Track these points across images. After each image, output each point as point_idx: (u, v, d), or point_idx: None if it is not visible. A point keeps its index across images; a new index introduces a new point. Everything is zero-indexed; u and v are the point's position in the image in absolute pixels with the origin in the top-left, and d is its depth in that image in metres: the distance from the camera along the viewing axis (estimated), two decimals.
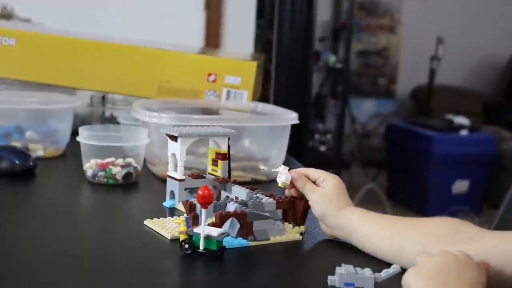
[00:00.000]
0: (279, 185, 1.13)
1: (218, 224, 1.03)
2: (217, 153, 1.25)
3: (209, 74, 1.76)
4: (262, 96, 2.02)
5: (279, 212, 1.12)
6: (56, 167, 1.59)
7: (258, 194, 1.14)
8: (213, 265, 0.96)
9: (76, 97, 1.79)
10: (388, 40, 5.91)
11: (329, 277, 0.86)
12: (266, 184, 1.47)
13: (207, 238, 0.97)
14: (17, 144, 1.54)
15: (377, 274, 0.86)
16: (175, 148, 1.22)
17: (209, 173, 1.27)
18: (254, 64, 1.78)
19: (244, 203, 1.10)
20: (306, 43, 2.74)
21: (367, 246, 1.02)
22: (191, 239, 0.98)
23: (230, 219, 1.05)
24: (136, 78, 1.78)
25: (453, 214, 4.15)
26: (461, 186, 4.43)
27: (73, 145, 1.53)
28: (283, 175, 1.13)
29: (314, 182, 1.11)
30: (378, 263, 0.97)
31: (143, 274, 0.92)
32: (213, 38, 3.67)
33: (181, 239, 0.98)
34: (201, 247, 0.97)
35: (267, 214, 1.08)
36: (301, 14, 2.67)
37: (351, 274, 0.85)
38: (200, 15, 3.68)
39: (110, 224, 1.18)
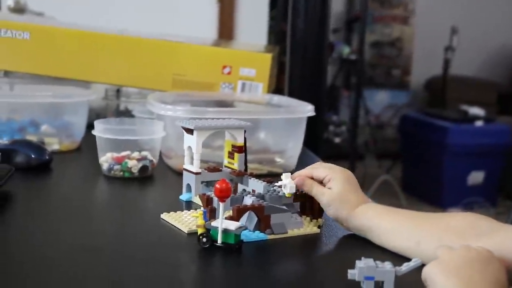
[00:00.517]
0: (286, 195, 1.10)
1: (235, 217, 1.02)
2: (233, 146, 1.24)
3: (224, 67, 1.75)
4: (276, 88, 2.01)
5: (297, 205, 1.11)
6: (72, 161, 1.58)
7: (275, 187, 1.13)
8: (231, 259, 0.96)
9: (91, 90, 1.78)
10: (402, 30, 5.88)
11: (349, 271, 0.84)
12: None
13: (225, 231, 0.96)
14: (32, 138, 1.53)
15: (397, 268, 0.84)
16: (191, 141, 1.21)
17: (225, 166, 1.26)
18: (269, 56, 1.77)
19: (261, 196, 1.09)
20: (321, 35, 2.73)
21: (384, 242, 1.01)
22: (209, 233, 0.97)
23: (248, 212, 1.04)
24: (151, 71, 1.78)
25: (468, 206, 4.14)
26: (476, 177, 4.41)
27: (89, 138, 1.52)
28: (287, 186, 1.10)
29: (321, 182, 1.09)
30: (399, 257, 0.96)
31: (160, 268, 0.91)
32: (226, 31, 3.66)
33: (199, 233, 0.97)
34: (219, 241, 0.96)
35: (284, 207, 1.07)
36: (315, 5, 2.66)
37: (371, 267, 0.84)
38: (213, 7, 3.66)
39: (126, 217, 1.17)
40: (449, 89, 5.20)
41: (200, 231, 0.98)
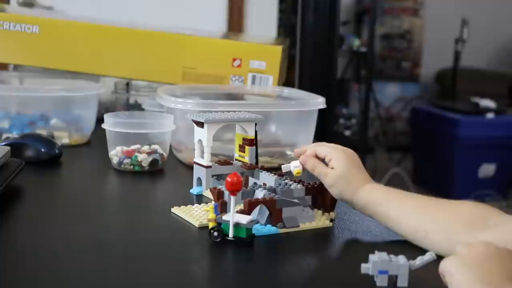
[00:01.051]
0: (294, 174, 1.12)
1: (246, 211, 1.01)
2: (244, 139, 1.23)
3: (234, 59, 1.74)
4: (286, 81, 2.00)
5: (308, 198, 1.10)
6: (82, 154, 1.58)
7: (286, 181, 1.12)
8: (243, 253, 0.95)
9: (101, 84, 1.78)
10: (412, 23, 5.85)
11: (362, 265, 0.83)
12: None
13: (237, 225, 0.95)
14: (42, 132, 1.53)
15: (411, 262, 0.83)
16: (202, 134, 1.20)
17: (236, 159, 1.25)
18: (279, 49, 1.76)
19: (272, 190, 1.08)
20: (330, 27, 2.72)
21: (390, 224, 1.01)
22: (220, 226, 0.96)
23: (259, 206, 1.03)
24: (160, 64, 1.77)
25: (479, 198, 4.11)
26: (487, 169, 4.38)
27: (98, 132, 1.52)
28: (291, 165, 1.12)
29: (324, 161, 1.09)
30: (412, 251, 0.94)
31: (171, 262, 0.91)
32: (235, 24, 3.64)
33: (210, 227, 0.97)
34: (230, 234, 0.95)
35: (296, 200, 1.06)
36: None
37: (385, 261, 0.83)
38: (223, 0, 3.65)
39: (136, 211, 1.17)
40: (459, 81, 5.17)
41: (211, 225, 0.97)
